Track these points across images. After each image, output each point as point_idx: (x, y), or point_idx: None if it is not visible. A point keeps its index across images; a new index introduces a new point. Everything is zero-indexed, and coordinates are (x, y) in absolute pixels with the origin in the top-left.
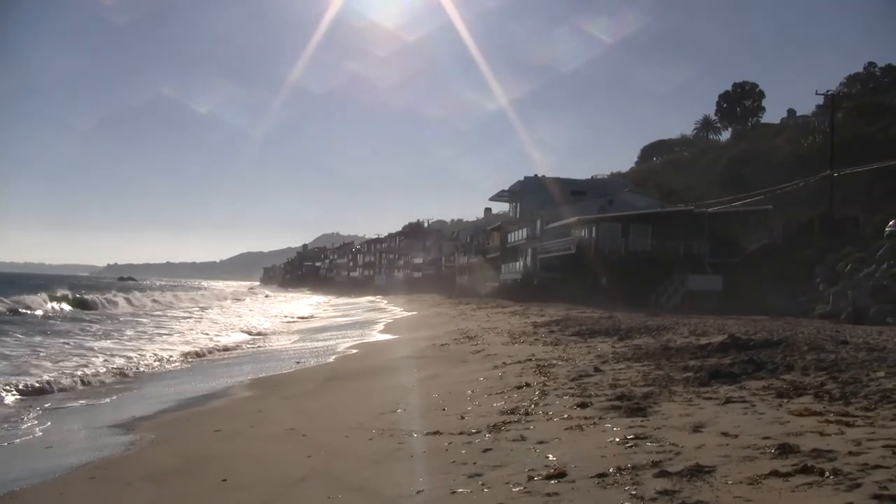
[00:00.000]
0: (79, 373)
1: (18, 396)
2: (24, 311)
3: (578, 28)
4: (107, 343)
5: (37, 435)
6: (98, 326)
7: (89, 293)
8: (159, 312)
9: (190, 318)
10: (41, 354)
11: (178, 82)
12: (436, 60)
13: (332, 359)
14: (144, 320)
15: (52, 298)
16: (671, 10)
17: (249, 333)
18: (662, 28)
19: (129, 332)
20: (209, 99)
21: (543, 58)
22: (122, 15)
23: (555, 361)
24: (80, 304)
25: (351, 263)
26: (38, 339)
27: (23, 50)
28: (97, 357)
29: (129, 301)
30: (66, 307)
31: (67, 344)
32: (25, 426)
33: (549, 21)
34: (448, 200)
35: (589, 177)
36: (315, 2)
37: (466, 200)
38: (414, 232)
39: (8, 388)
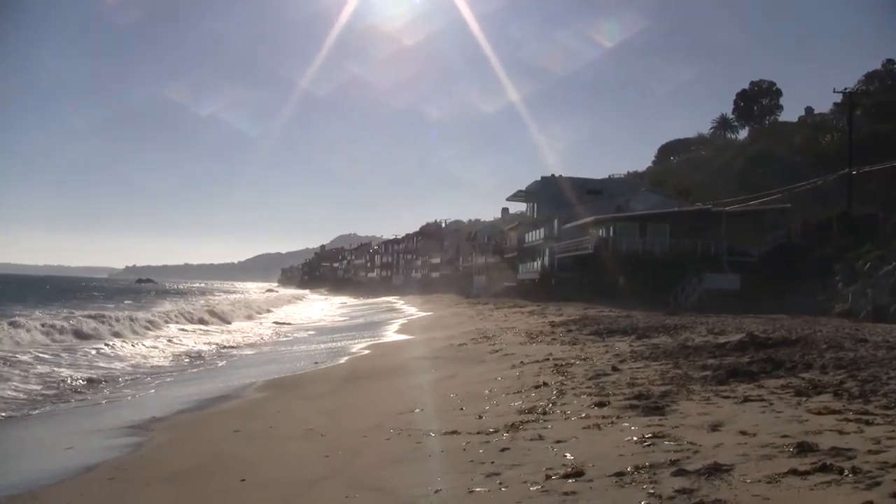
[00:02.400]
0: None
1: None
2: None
3: (593, 26)
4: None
5: (59, 435)
6: None
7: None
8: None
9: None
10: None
11: (193, 84)
12: (448, 60)
13: (349, 359)
14: None
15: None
16: (687, 7)
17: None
18: (678, 26)
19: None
20: (227, 100)
21: (559, 56)
22: (123, 14)
23: (572, 361)
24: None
25: (368, 264)
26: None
27: (34, 51)
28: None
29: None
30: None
31: None
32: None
33: (562, 18)
34: (465, 201)
35: (606, 176)
36: (326, 6)
37: (483, 200)
38: (431, 232)
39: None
